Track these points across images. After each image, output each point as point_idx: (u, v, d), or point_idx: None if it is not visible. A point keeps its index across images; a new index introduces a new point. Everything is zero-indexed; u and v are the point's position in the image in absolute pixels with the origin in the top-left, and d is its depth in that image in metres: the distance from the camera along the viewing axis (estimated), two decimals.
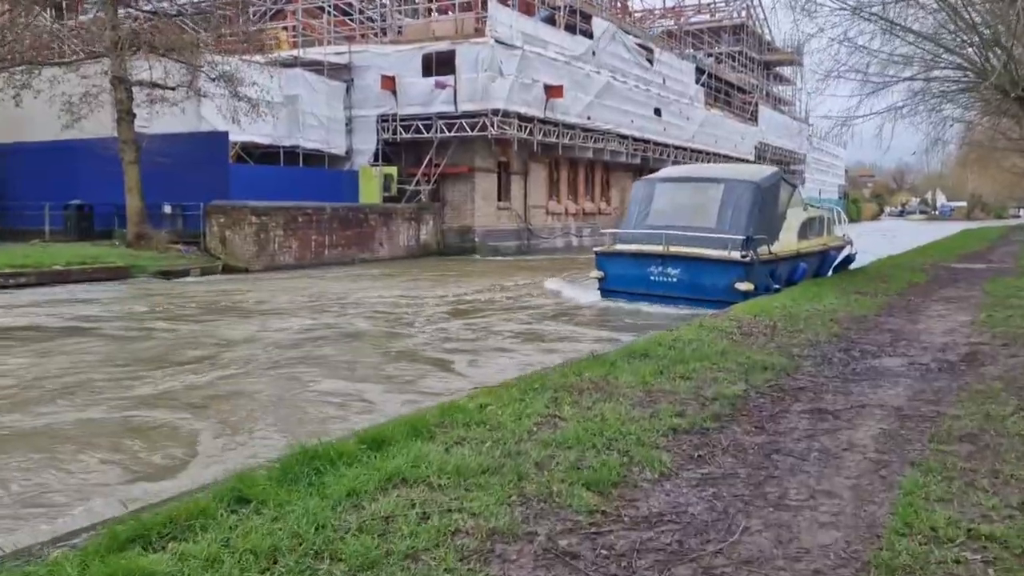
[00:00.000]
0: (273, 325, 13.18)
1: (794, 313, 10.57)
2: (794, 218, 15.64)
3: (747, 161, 46.94)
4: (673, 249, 14.09)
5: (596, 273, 15.00)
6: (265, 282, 20.14)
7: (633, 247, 14.64)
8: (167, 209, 23.80)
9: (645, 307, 14.19)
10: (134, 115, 21.72)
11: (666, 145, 42.02)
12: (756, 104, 57.19)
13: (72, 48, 22.28)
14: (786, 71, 69.69)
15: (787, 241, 15.23)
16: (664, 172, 16.39)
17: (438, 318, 14.04)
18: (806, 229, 15.95)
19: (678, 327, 9.58)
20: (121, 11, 22.45)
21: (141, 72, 21.62)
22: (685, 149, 44.12)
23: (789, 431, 5.19)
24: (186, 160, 23.62)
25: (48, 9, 25.54)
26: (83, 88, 20.87)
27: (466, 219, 30.95)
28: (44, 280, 17.56)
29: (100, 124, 22.46)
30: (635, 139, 39.03)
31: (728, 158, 46.62)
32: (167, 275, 20.01)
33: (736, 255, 13.56)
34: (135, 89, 21.81)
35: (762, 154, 55.98)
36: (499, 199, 32.41)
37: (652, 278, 14.22)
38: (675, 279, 14.04)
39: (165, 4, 25.85)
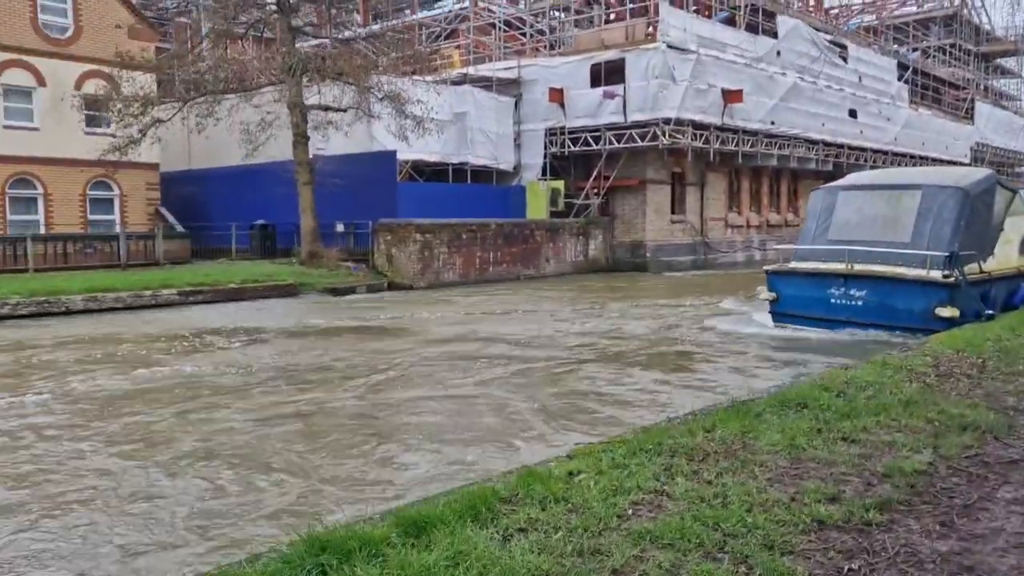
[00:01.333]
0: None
1: (1011, 348, 8.57)
2: (1014, 230, 13.15)
3: (960, 165, 41.94)
4: (858, 268, 12.18)
5: (767, 295, 13.33)
6: (423, 299, 20.02)
7: (810, 265, 12.85)
8: (340, 228, 24.51)
9: (825, 335, 12.38)
10: (308, 138, 22.51)
11: (863, 149, 38.35)
12: (972, 100, 51.20)
13: (253, 77, 23.47)
14: (1009, 62, 62.09)
15: (1005, 257, 12.80)
16: (849, 178, 14.36)
17: (580, 341, 13.01)
18: None
19: (855, 365, 7.96)
20: (301, 42, 23.44)
21: (312, 97, 22.38)
22: (886, 153, 40.12)
23: (991, 534, 3.73)
24: (357, 179, 24.26)
25: (245, 41, 27.36)
26: (259, 115, 21.89)
27: (637, 233, 29.64)
28: (219, 297, 18.38)
29: (281, 148, 23.53)
30: (826, 144, 35.91)
31: (938, 162, 41.89)
32: (335, 292, 20.44)
33: (937, 274, 11.47)
34: (310, 113, 22.60)
35: (980, 156, 49.99)
36: (672, 212, 30.81)
37: (833, 301, 12.38)
38: (860, 302, 12.12)
39: (348, 32, 26.82)
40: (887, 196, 12.69)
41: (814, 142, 35.15)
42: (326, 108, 22.75)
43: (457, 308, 18.18)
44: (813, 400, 6.05)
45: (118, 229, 26.27)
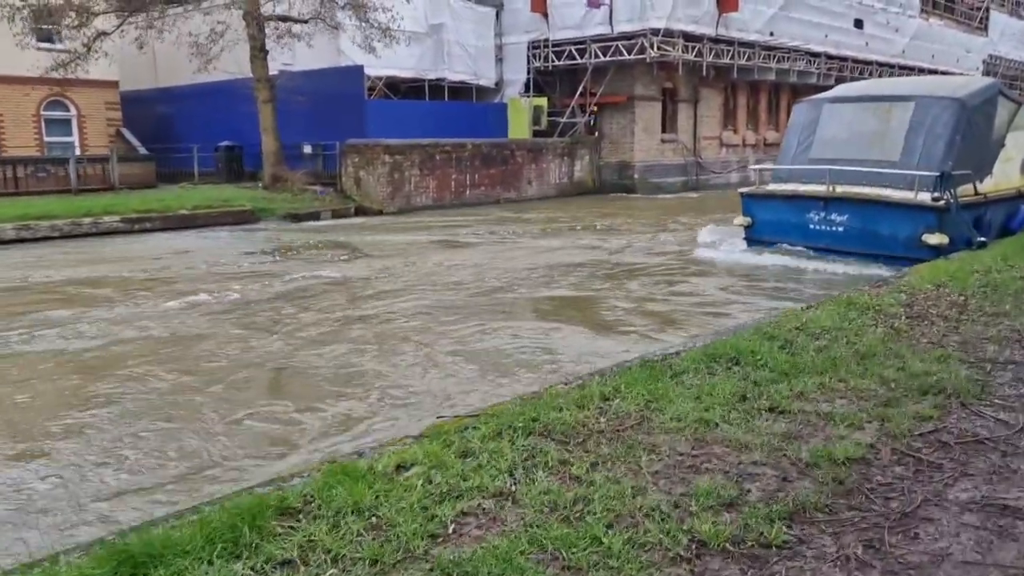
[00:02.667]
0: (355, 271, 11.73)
1: (1000, 283, 7.50)
2: (1017, 147, 11.89)
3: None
4: (840, 190, 11.02)
5: (742, 219, 12.20)
6: (389, 225, 18.91)
7: (789, 187, 11.68)
8: (307, 149, 23.20)
9: (803, 264, 11.32)
10: (266, 51, 20.99)
11: (867, 62, 36.34)
12: (986, 9, 48.57)
13: None
14: None
15: (1004, 177, 11.59)
16: (837, 90, 13.02)
17: (531, 273, 11.97)
18: None
19: (817, 304, 6.93)
20: None
21: (269, 5, 20.76)
22: (892, 66, 38.07)
23: (929, 563, 2.74)
24: (324, 97, 22.82)
25: None
26: (209, 26, 20.33)
27: (625, 153, 28.21)
28: (169, 225, 17.32)
29: (248, 63, 21.94)
30: (829, 57, 33.96)
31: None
32: (296, 218, 19.33)
33: (925, 197, 10.31)
34: (269, 24, 21.02)
35: (993, 70, 47.70)
36: (663, 130, 29.28)
37: (812, 226, 11.27)
38: (841, 228, 11.00)
39: None
40: (876, 109, 11.40)
41: (816, 55, 33.24)
42: (285, 19, 21.16)
43: (414, 234, 17.10)
44: (750, 354, 5.03)
45: (77, 151, 25.03)
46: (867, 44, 36.16)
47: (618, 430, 3.82)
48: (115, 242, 15.65)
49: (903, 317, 6.28)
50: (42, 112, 24.66)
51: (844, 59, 34.87)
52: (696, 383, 4.53)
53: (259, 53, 20.77)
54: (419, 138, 22.81)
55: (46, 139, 24.81)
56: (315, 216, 19.90)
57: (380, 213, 21.16)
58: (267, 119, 21.12)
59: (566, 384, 4.57)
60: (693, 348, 5.23)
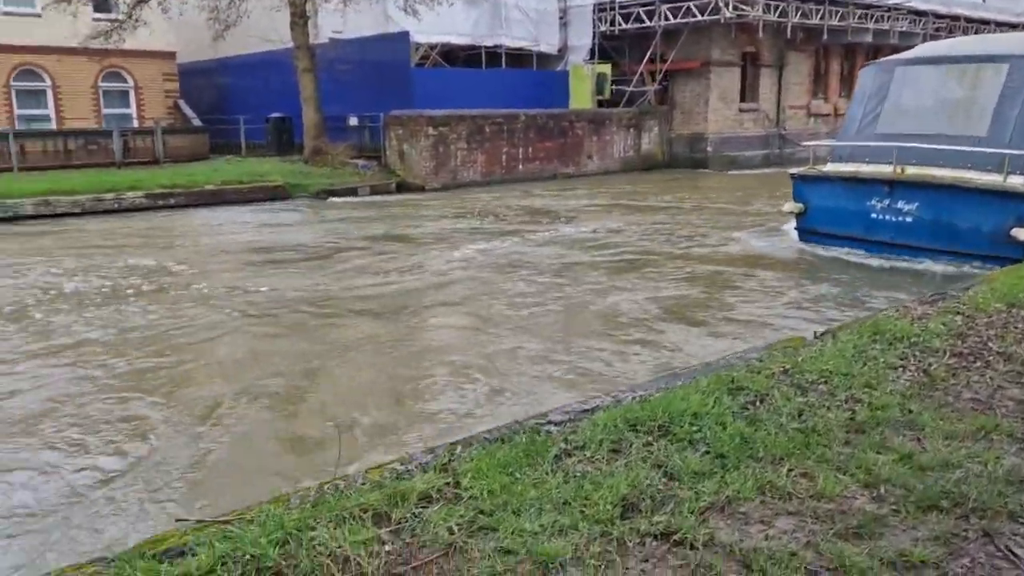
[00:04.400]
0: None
1: None
2: None
3: None
4: (910, 171, 9.10)
5: (792, 205, 10.36)
6: (424, 205, 17.72)
7: (849, 168, 9.80)
8: (353, 121, 22.24)
9: (863, 259, 9.48)
10: (307, 17, 20.03)
11: (984, 22, 32.63)
12: None
13: None
14: None
15: None
16: (915, 50, 10.87)
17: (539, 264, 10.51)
18: None
19: (834, 330, 5.28)
20: None
21: None
22: (1015, 26, 34.11)
23: None
24: (370, 66, 21.79)
25: None
26: None
27: (698, 125, 26.07)
28: (195, 201, 16.67)
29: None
30: (937, 16, 30.58)
31: None
32: (331, 194, 18.37)
33: (1018, 181, 8.30)
34: None
35: None
36: (742, 99, 26.93)
37: (873, 216, 9.39)
38: (910, 219, 9.09)
39: None
40: (960, 72, 9.32)
41: (921, 13, 29.95)
42: None
43: (451, 218, 15.85)
44: (689, 420, 3.53)
45: (134, 123, 24.90)
46: (984, 1, 32.43)
47: None
48: (110, 221, 14.92)
49: (946, 356, 4.59)
50: (99, 84, 24.60)
51: (955, 18, 31.37)
52: (581, 472, 3.10)
53: (299, 20, 19.83)
54: (473, 108, 21.47)
55: (104, 111, 24.78)
56: (352, 192, 18.91)
57: (423, 189, 20.01)
58: (307, 89, 20.21)
59: (381, 470, 3.20)
60: (609, 406, 3.75)
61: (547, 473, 3.09)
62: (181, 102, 26.05)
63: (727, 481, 3.04)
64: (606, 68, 25.47)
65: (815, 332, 5.32)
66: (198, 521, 2.82)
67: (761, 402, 3.85)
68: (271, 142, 23.88)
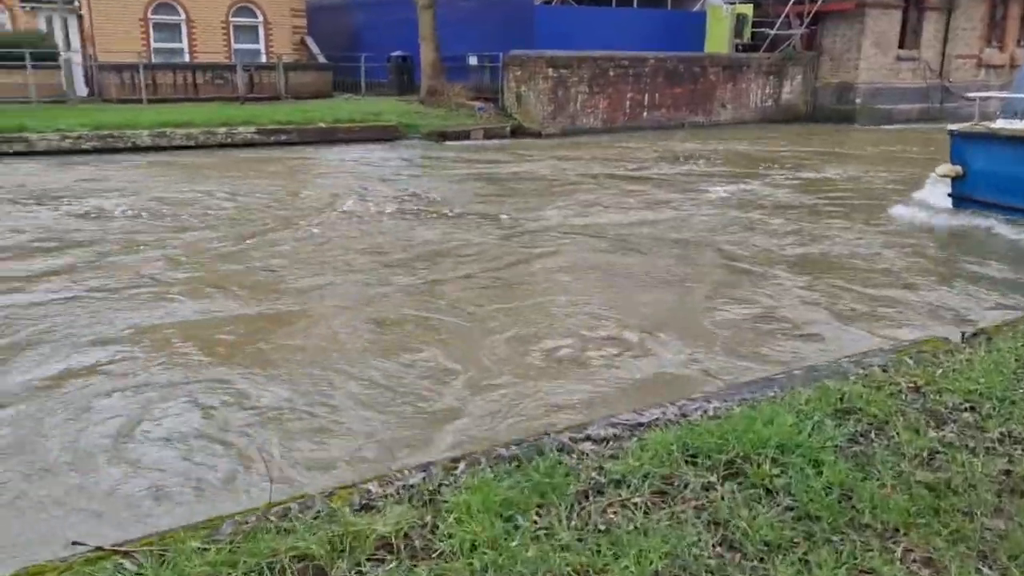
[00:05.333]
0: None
1: None
2: None
3: None
4: None
5: (947, 168, 8.84)
6: (538, 151, 16.85)
7: (1020, 125, 8.18)
8: (473, 61, 21.45)
9: None
10: None
11: None
12: None
13: None
14: None
15: None
16: None
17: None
18: None
19: (988, 331, 4.13)
20: None
21: None
22: None
23: None
24: (491, 3, 20.86)
25: None
26: None
27: (847, 73, 23.69)
28: (306, 138, 16.48)
29: None
30: None
31: None
32: (443, 137, 17.79)
33: None
34: None
35: None
36: (901, 46, 24.22)
37: None
38: None
39: None
40: None
41: None
42: None
43: (572, 163, 14.93)
44: (772, 453, 2.63)
45: (262, 59, 25.14)
46: None
47: None
48: (216, 155, 14.91)
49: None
50: (230, 18, 24.88)
51: None
52: (606, 524, 2.28)
53: None
54: (595, 51, 20.23)
55: (234, 46, 25.08)
56: (464, 135, 18.25)
57: (539, 135, 19.10)
58: (426, 26, 19.58)
59: (351, 491, 2.47)
60: (668, 422, 2.87)
61: (560, 521, 2.29)
62: (308, 39, 26.05)
63: (810, 563, 2.14)
64: (747, 9, 23.42)
65: (963, 333, 4.18)
66: (96, 547, 2.21)
67: (877, 434, 2.87)
68: (392, 81, 23.53)
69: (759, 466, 2.57)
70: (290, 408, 4.50)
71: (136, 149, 14.85)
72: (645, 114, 20.95)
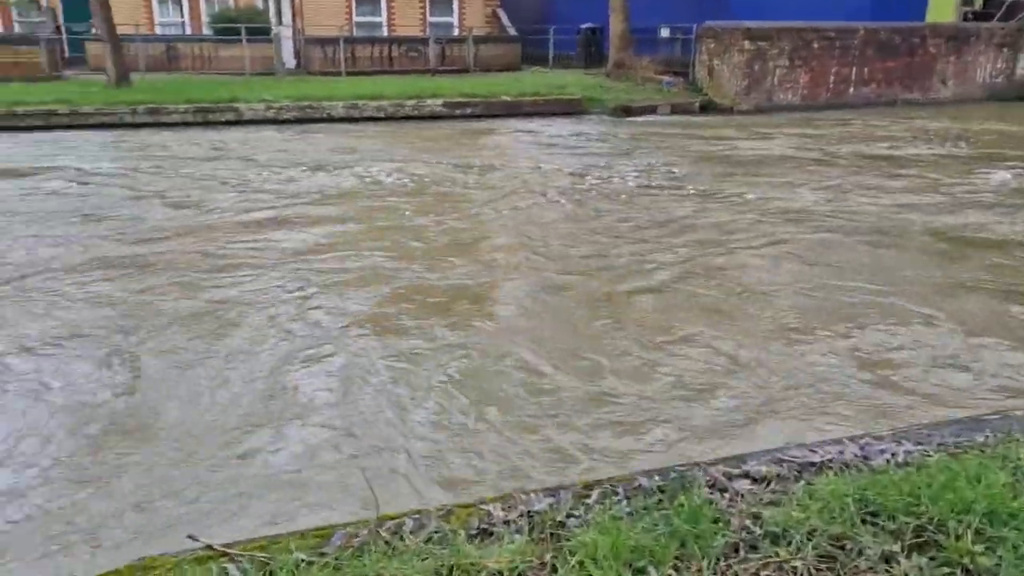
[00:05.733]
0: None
1: None
2: None
3: None
4: None
5: None
6: (731, 129, 15.91)
7: None
8: (665, 33, 20.65)
9: None
10: None
11: None
12: None
13: None
14: None
15: None
16: None
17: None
18: None
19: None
20: None
21: None
22: None
23: None
24: None
25: None
26: None
27: None
28: (491, 111, 16.57)
29: None
30: None
31: None
32: (627, 111, 17.29)
33: None
34: None
35: None
36: None
37: None
38: None
39: None
40: None
41: None
42: None
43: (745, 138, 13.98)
44: (977, 520, 2.14)
45: (456, 31, 25.65)
46: None
47: None
48: (404, 127, 15.21)
49: None
50: None
51: None
52: None
53: None
54: (796, 21, 18.81)
55: (429, 19, 25.77)
56: (651, 110, 17.62)
57: (731, 111, 18.09)
58: None
59: (469, 511, 2.25)
60: (846, 465, 2.42)
61: None
62: (500, 11, 26.28)
63: None
64: None
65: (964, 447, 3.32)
66: (207, 546, 2.15)
67: None
68: (579, 54, 23.26)
69: (958, 538, 2.09)
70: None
71: (331, 119, 15.57)
72: (851, 90, 19.27)
